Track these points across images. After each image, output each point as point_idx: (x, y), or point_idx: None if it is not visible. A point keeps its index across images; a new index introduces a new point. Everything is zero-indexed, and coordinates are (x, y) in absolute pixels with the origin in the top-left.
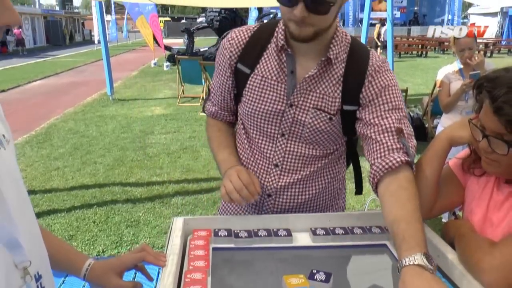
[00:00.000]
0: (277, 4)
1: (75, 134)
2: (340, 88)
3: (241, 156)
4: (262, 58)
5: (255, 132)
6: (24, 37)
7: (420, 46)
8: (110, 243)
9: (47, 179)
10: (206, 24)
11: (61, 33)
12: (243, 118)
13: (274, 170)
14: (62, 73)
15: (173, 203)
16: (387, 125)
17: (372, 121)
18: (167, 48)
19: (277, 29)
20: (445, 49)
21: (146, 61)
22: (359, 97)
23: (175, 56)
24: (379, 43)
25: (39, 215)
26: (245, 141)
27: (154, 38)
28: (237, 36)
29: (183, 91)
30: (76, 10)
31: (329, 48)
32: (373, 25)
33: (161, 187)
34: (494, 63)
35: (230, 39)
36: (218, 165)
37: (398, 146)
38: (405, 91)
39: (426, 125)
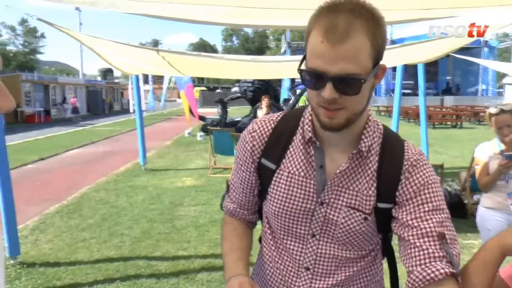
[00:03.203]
0: None
1: (105, 205)
2: (375, 184)
3: (267, 258)
4: (288, 151)
5: (282, 232)
6: (78, 105)
7: (454, 116)
8: None
9: (73, 251)
10: (239, 94)
11: (101, 102)
12: (269, 217)
13: (305, 273)
14: (98, 142)
15: (198, 279)
16: (428, 229)
17: (410, 222)
18: (201, 118)
19: (302, 119)
20: (481, 119)
21: (181, 131)
22: (395, 195)
23: (208, 126)
24: None
25: None
26: (271, 242)
27: (189, 108)
28: (260, 128)
29: (214, 161)
30: (116, 80)
31: (361, 140)
32: (406, 94)
33: (187, 262)
34: None
35: (251, 131)
36: (224, 268)
37: (441, 254)
38: (441, 166)
39: (465, 201)
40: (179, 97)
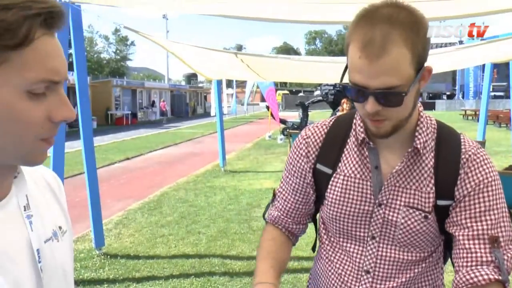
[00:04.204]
0: None
1: (184, 203)
2: (433, 181)
3: (325, 263)
4: (343, 155)
5: (342, 235)
6: (167, 108)
7: None
8: None
9: (152, 245)
10: (320, 98)
11: (185, 105)
12: (327, 221)
13: (365, 277)
14: (181, 143)
15: (300, 278)
16: (480, 231)
17: (463, 222)
18: (282, 121)
19: (355, 121)
20: None
21: (262, 134)
22: (454, 191)
23: (288, 129)
24: None
25: (138, 280)
26: (329, 247)
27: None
28: (313, 133)
29: None
30: (200, 85)
31: (415, 137)
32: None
33: None
34: None
35: (305, 137)
36: (254, 273)
37: (490, 258)
38: None
39: None
40: (262, 100)
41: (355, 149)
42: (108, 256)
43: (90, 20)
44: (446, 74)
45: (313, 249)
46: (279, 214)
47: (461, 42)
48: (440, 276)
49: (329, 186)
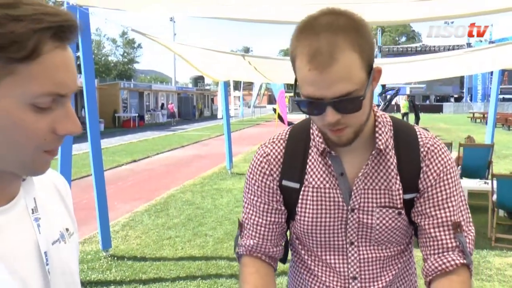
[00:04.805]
0: (401, 81)
1: (191, 206)
2: (398, 177)
3: (308, 279)
4: (307, 166)
5: (320, 248)
6: (175, 110)
7: None
8: None
9: (159, 247)
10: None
11: (192, 108)
12: (302, 237)
13: (353, 284)
14: (187, 146)
15: (278, 283)
16: (444, 218)
17: (428, 211)
18: (290, 124)
19: (311, 131)
20: None
21: (268, 136)
22: (418, 183)
23: None
24: None
25: (145, 282)
26: (309, 261)
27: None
28: (272, 150)
29: None
30: (207, 87)
31: (376, 138)
32: (506, 100)
33: None
34: None
35: (265, 155)
36: None
37: (454, 244)
38: None
39: None
40: (269, 102)
41: (319, 158)
42: (115, 258)
43: (98, 23)
44: (453, 76)
45: (283, 261)
46: (255, 241)
47: (469, 45)
48: (414, 263)
49: (300, 201)
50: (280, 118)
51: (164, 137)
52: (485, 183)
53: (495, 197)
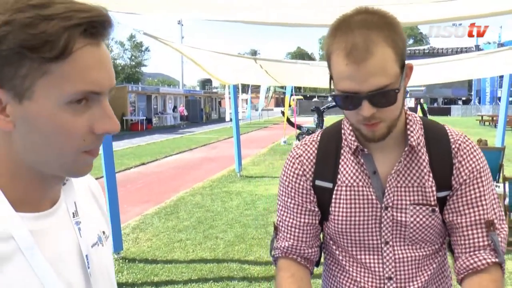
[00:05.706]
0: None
1: (201, 208)
2: (431, 175)
3: (343, 279)
4: (340, 166)
5: (355, 247)
6: (185, 113)
7: None
8: None
9: (170, 250)
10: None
11: (199, 111)
12: (336, 237)
13: (388, 284)
14: (196, 148)
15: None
16: (477, 217)
17: (461, 209)
18: (298, 126)
19: (343, 131)
20: None
21: (277, 139)
22: (451, 180)
23: (303, 135)
24: None
25: (157, 284)
26: (344, 262)
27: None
28: (304, 151)
29: None
30: (214, 90)
31: (408, 135)
32: None
33: None
34: None
35: (297, 156)
36: None
37: (486, 243)
38: None
39: None
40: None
41: (351, 157)
42: (126, 260)
43: None
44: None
45: (317, 264)
46: (290, 243)
47: (478, 47)
48: (449, 268)
49: (333, 200)
50: (289, 121)
51: (172, 140)
52: (496, 186)
53: (507, 200)
